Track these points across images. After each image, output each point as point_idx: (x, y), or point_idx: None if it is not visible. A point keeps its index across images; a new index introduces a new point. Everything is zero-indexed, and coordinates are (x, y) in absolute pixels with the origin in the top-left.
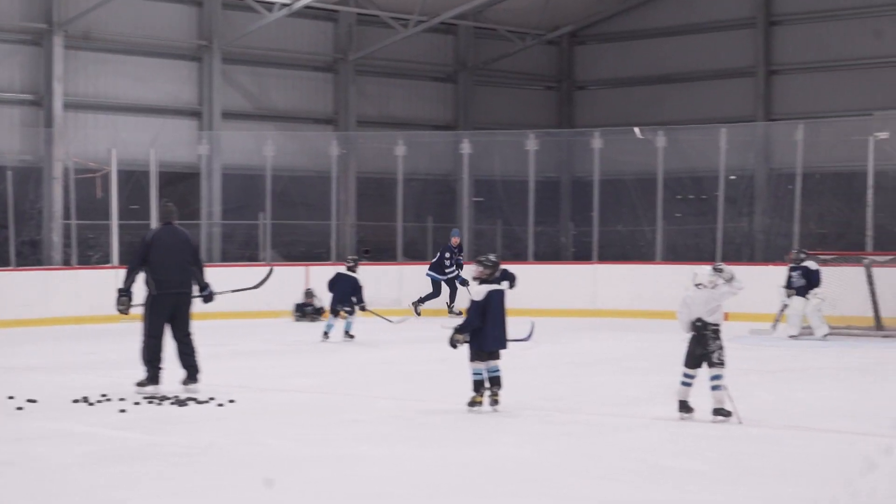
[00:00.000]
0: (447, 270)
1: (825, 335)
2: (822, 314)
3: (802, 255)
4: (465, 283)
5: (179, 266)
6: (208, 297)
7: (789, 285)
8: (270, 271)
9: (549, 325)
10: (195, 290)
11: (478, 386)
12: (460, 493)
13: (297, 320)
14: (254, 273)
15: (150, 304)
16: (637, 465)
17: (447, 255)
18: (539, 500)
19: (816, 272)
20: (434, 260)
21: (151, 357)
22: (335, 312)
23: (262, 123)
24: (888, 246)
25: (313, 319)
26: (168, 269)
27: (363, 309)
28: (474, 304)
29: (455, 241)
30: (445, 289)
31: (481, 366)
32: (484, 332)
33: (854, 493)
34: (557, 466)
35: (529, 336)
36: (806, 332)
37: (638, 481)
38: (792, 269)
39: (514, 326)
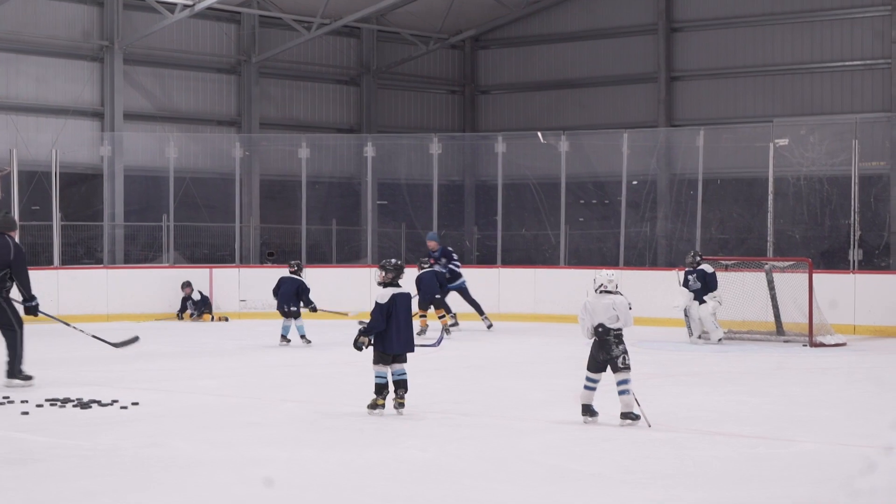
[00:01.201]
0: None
1: (720, 339)
2: (716, 318)
3: (698, 259)
4: (443, 285)
5: None
6: (28, 310)
7: (686, 287)
8: (136, 338)
9: (452, 329)
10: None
11: (380, 389)
12: (362, 495)
13: (178, 316)
14: (156, 274)
15: None
16: (539, 468)
17: (430, 261)
18: (440, 502)
19: (713, 275)
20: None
21: None
22: (285, 314)
23: (165, 125)
24: (788, 252)
25: (193, 314)
26: None
27: (313, 310)
28: (378, 307)
29: (431, 244)
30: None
31: (385, 369)
32: (389, 335)
33: (762, 490)
34: (460, 469)
35: (438, 342)
36: (704, 336)
37: (540, 484)
38: (688, 273)
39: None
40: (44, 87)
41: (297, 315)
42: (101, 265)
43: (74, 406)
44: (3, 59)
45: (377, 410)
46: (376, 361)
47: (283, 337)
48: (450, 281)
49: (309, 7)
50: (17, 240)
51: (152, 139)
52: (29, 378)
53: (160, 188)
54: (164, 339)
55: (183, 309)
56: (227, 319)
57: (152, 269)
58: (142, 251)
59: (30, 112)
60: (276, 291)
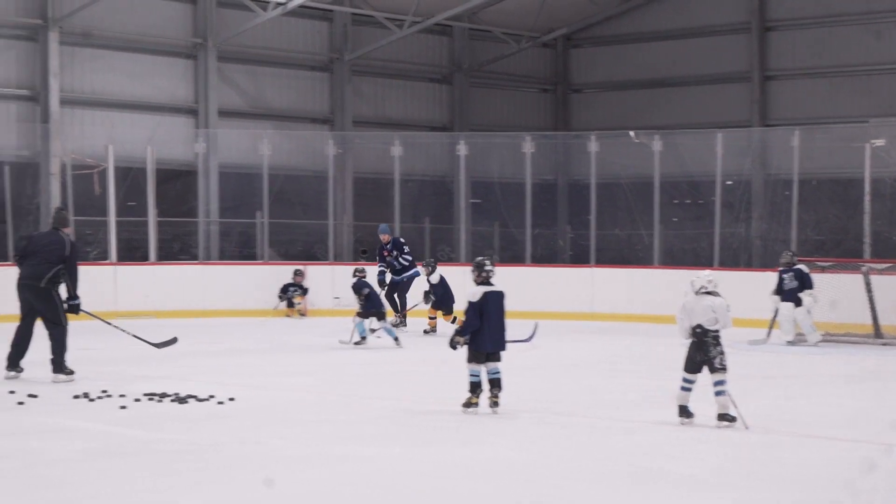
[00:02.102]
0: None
1: (818, 342)
2: (812, 319)
3: (794, 259)
4: (382, 283)
5: (38, 262)
6: (71, 308)
7: (780, 289)
8: (175, 339)
9: (546, 328)
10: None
11: (474, 387)
12: (452, 495)
13: (280, 300)
14: (251, 271)
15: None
16: (634, 469)
17: (383, 252)
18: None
19: (808, 274)
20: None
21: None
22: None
23: (259, 122)
24: (885, 253)
25: (291, 304)
26: (26, 266)
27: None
28: (471, 305)
29: (384, 238)
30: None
31: (478, 367)
32: (481, 333)
33: (854, 495)
34: (553, 469)
35: (531, 337)
36: (800, 338)
37: (634, 485)
38: (783, 272)
39: (516, 328)
40: (139, 83)
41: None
42: (197, 261)
43: (172, 401)
44: (99, 56)
45: (472, 409)
46: (470, 360)
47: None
48: (399, 273)
49: (401, 5)
50: (72, 237)
51: (246, 136)
52: (72, 373)
53: (254, 185)
54: (259, 335)
55: (283, 294)
56: (303, 315)
57: (247, 266)
58: (236, 248)
59: (125, 109)
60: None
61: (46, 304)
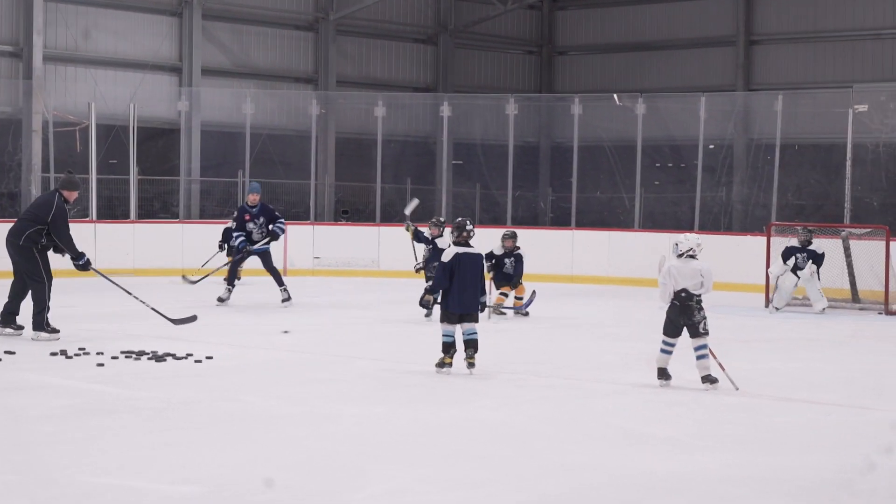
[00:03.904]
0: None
1: (823, 309)
2: (819, 285)
3: (811, 236)
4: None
5: (22, 219)
6: (79, 267)
7: (795, 268)
8: (194, 317)
9: (526, 290)
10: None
11: (446, 347)
12: (433, 453)
13: (221, 250)
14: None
15: None
16: (612, 430)
17: (245, 216)
18: (512, 463)
19: (822, 255)
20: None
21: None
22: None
23: (242, 81)
24: (865, 219)
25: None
26: (15, 223)
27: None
28: (441, 265)
29: (252, 198)
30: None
31: (451, 328)
32: (451, 294)
33: (833, 455)
34: (532, 430)
35: (527, 305)
36: (804, 301)
37: (614, 447)
38: (796, 251)
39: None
40: (123, 41)
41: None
42: (177, 220)
43: (149, 359)
44: (83, 12)
45: (445, 369)
46: (442, 320)
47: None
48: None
49: None
50: (64, 203)
51: (229, 95)
52: (56, 331)
53: (236, 144)
54: (239, 295)
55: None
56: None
57: (227, 225)
58: (217, 206)
59: (108, 66)
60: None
61: (25, 261)
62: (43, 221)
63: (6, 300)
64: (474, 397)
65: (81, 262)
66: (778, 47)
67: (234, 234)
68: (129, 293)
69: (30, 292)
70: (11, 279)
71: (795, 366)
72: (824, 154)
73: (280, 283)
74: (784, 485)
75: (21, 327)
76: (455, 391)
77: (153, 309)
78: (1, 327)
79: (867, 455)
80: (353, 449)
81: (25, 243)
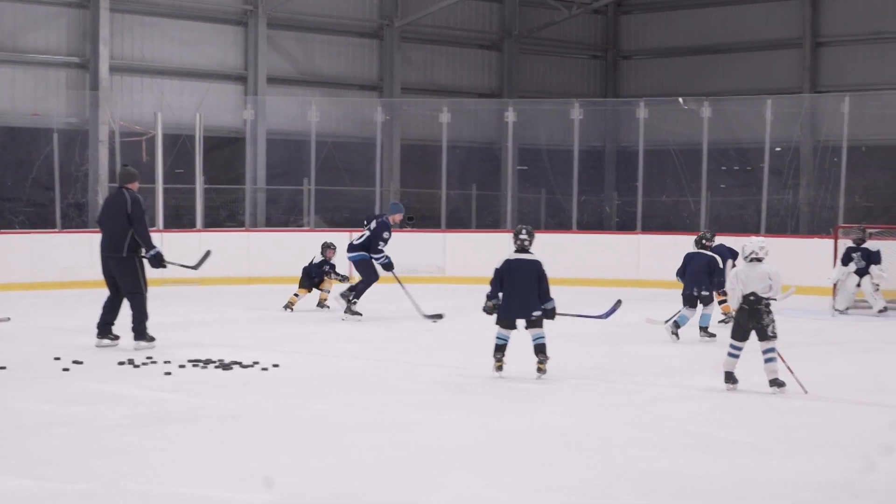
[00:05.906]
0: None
1: (881, 310)
2: (880, 288)
3: (867, 234)
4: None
5: (110, 230)
6: (152, 260)
7: (847, 265)
8: (208, 253)
9: (592, 295)
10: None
11: (496, 349)
12: (503, 460)
13: (302, 286)
14: (297, 237)
15: None
16: (681, 435)
17: (385, 234)
18: (581, 470)
19: (877, 253)
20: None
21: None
22: (692, 302)
23: (307, 89)
24: None
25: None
26: (103, 234)
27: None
28: (494, 272)
29: (395, 218)
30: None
31: (504, 332)
32: (503, 299)
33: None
34: (600, 436)
35: (609, 314)
36: (862, 305)
37: (682, 452)
38: (852, 251)
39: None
40: (188, 50)
41: (708, 300)
42: (243, 228)
43: (216, 367)
44: (148, 23)
45: (498, 373)
46: (496, 323)
47: (704, 329)
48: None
49: None
50: (135, 192)
51: (294, 103)
52: (153, 339)
53: (302, 152)
54: (304, 303)
55: (323, 275)
56: (324, 304)
57: (293, 233)
58: (283, 215)
59: (174, 76)
60: (683, 271)
61: (127, 274)
62: (126, 219)
63: (101, 312)
64: (542, 403)
65: (154, 253)
66: (844, 49)
67: (382, 254)
68: (185, 265)
69: (128, 303)
70: (104, 289)
71: (864, 370)
72: (892, 156)
73: (357, 295)
74: (853, 488)
75: (118, 337)
76: (523, 397)
77: (171, 262)
78: (98, 339)
79: None
80: (424, 456)
81: (129, 254)
